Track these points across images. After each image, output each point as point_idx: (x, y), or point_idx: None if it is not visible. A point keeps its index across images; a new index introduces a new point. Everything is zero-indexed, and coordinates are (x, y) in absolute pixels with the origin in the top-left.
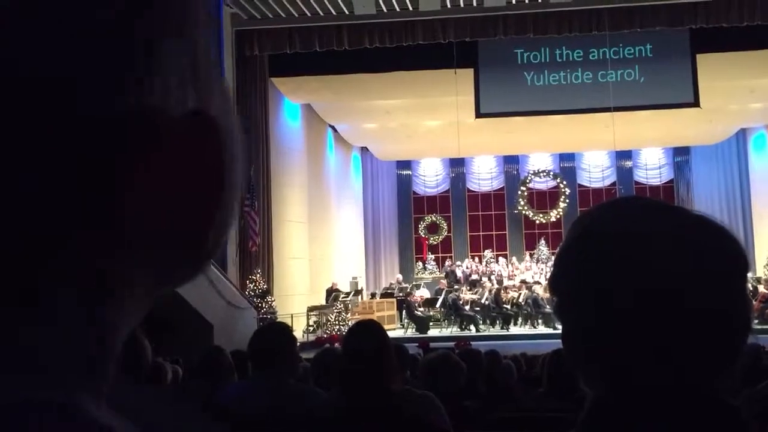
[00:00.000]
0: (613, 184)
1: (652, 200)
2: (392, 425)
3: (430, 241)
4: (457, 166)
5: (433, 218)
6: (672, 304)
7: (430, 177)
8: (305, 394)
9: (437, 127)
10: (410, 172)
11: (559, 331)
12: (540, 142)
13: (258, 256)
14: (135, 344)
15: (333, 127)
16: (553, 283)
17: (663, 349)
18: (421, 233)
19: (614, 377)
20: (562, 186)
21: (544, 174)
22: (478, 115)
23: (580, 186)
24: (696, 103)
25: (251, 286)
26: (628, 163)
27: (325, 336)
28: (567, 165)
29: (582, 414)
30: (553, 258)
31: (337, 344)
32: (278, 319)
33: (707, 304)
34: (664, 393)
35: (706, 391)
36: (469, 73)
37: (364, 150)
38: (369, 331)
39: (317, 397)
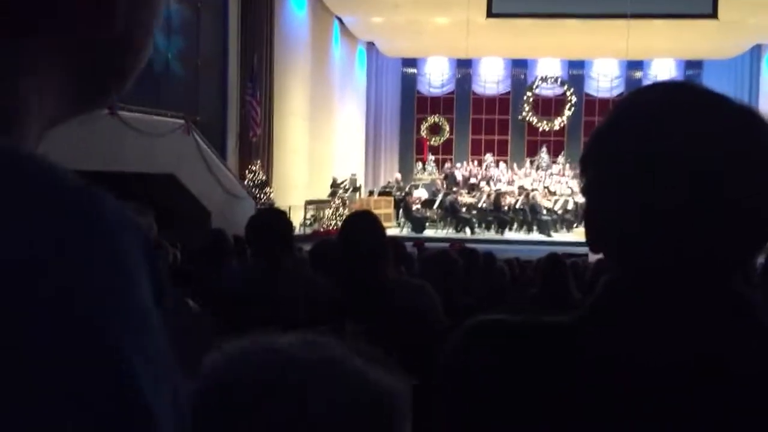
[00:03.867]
0: (621, 94)
1: (697, 86)
2: (385, 312)
3: (431, 142)
4: (464, 67)
5: (436, 119)
6: (703, 190)
7: (436, 77)
8: (302, 278)
9: (446, 24)
10: (415, 71)
11: (553, 239)
12: (550, 47)
13: (258, 146)
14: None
15: (339, 19)
16: (584, 161)
17: (686, 234)
18: (423, 134)
19: (632, 259)
20: (568, 94)
21: (552, 80)
22: (490, 14)
23: (587, 95)
24: (714, 15)
25: (250, 176)
26: (638, 74)
27: (322, 230)
28: (576, 72)
29: (592, 296)
30: (553, 166)
31: (334, 237)
32: None
33: (738, 193)
34: (679, 279)
35: (722, 281)
36: None
37: (369, 45)
38: (365, 221)
39: (314, 282)
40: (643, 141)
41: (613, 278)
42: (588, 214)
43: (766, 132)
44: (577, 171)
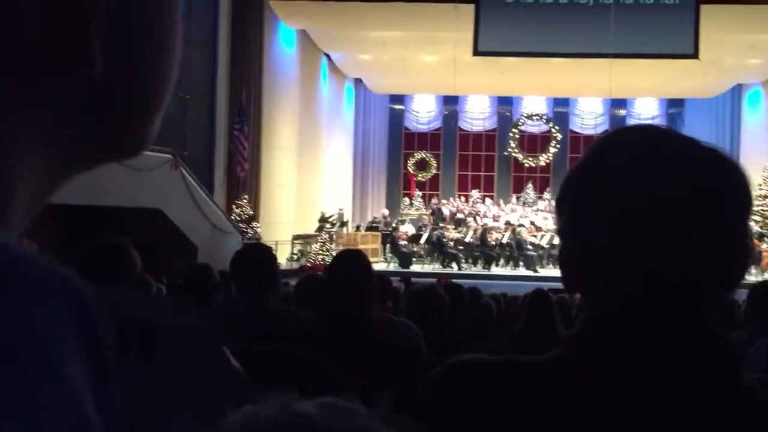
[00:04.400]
0: (605, 131)
1: (664, 128)
2: (367, 350)
3: (419, 178)
4: (451, 104)
5: (423, 155)
6: (675, 227)
7: (423, 113)
8: (286, 314)
9: (433, 62)
10: (403, 107)
11: (539, 274)
12: (536, 85)
13: (246, 181)
14: (123, 255)
15: (328, 56)
16: (560, 202)
17: (661, 270)
18: (410, 169)
19: (607, 297)
20: (554, 131)
21: (537, 117)
22: (476, 52)
23: (572, 132)
24: (695, 55)
25: (237, 211)
26: (622, 112)
27: (308, 264)
28: (560, 110)
29: (572, 332)
30: (539, 202)
31: (320, 273)
32: None
33: (711, 228)
34: (654, 316)
35: (697, 319)
36: (469, 8)
37: (357, 82)
38: (354, 259)
39: (298, 318)
40: (618, 181)
41: (589, 317)
42: (562, 255)
43: (735, 169)
44: None
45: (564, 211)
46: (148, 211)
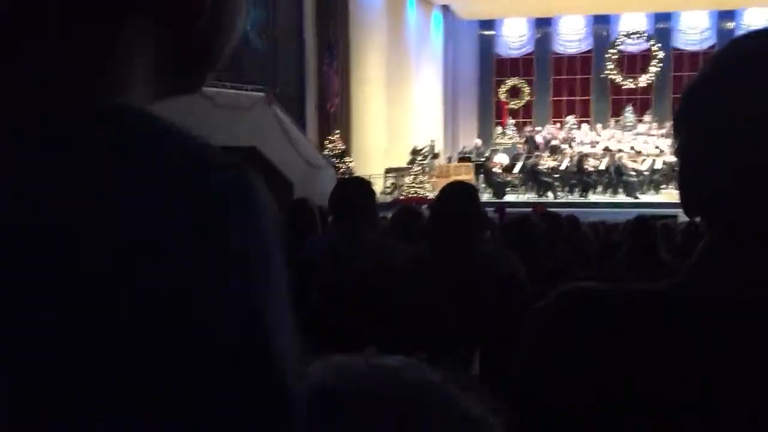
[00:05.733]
0: (712, 47)
1: None
2: (477, 282)
3: (511, 106)
4: (543, 26)
5: (515, 82)
6: None
7: (514, 38)
8: (386, 247)
9: None
10: (493, 33)
11: (640, 201)
12: (634, 1)
13: (336, 116)
14: None
15: None
16: (678, 121)
17: None
18: (502, 97)
19: (731, 223)
20: (655, 49)
21: (637, 35)
22: None
23: (675, 49)
24: None
25: (330, 146)
26: (730, 25)
27: (402, 197)
28: (662, 26)
29: (691, 259)
30: (639, 125)
31: (415, 205)
32: None
33: None
34: None
35: None
36: None
37: (445, 9)
38: (463, 190)
39: (399, 251)
40: (742, 96)
41: (711, 242)
42: (683, 177)
43: None
44: (665, 129)
45: (683, 131)
46: (243, 149)
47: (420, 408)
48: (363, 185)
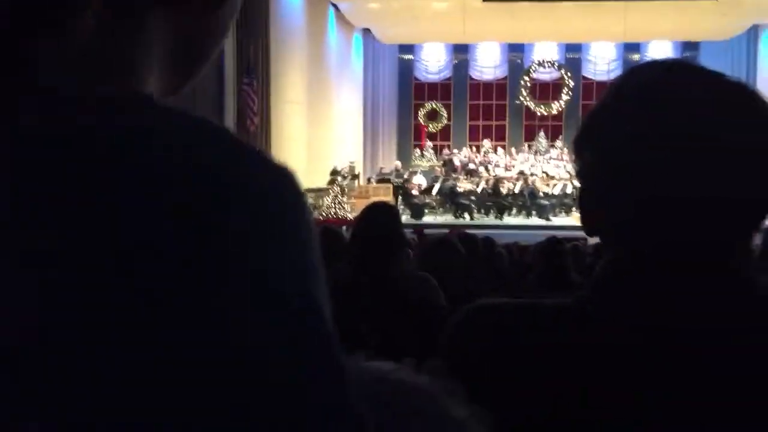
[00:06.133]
0: None
1: (691, 63)
2: (398, 307)
3: (430, 129)
4: (461, 52)
5: (434, 105)
6: (702, 164)
7: (433, 63)
8: None
9: (443, 9)
10: (412, 57)
11: (552, 223)
12: (547, 31)
13: (255, 135)
14: None
15: (335, 6)
16: (578, 143)
17: (687, 212)
18: (421, 120)
19: (629, 242)
20: (566, 77)
21: (549, 64)
22: None
23: (585, 78)
24: None
25: None
26: (636, 56)
27: (321, 218)
28: (573, 56)
29: (594, 276)
30: (551, 150)
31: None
32: None
33: (739, 170)
34: (679, 259)
35: (724, 263)
36: None
37: (366, 32)
38: (385, 212)
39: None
40: (644, 126)
41: (612, 259)
42: (583, 198)
43: (763, 104)
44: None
45: (583, 154)
46: None
47: (410, 409)
48: None
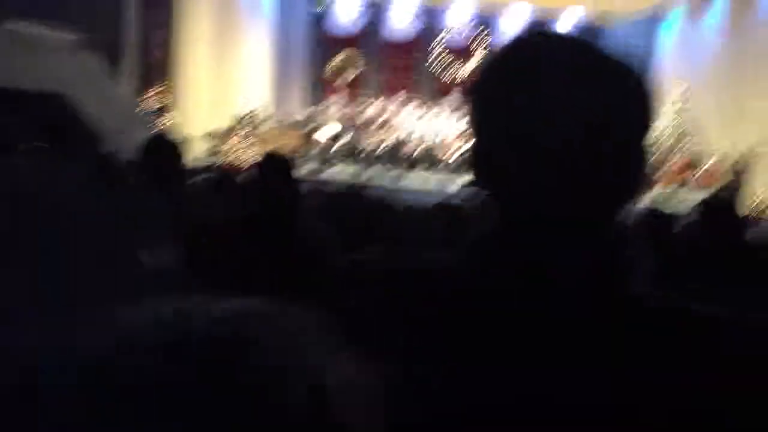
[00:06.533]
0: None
1: (582, 38)
2: (288, 257)
3: (341, 79)
4: (376, 5)
5: (348, 53)
6: (581, 130)
7: (347, 14)
8: (189, 207)
9: None
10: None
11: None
12: None
13: (159, 70)
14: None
15: None
16: (472, 91)
17: (564, 175)
18: (332, 69)
19: (511, 200)
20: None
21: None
22: None
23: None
24: None
25: (150, 101)
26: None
27: (223, 164)
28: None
29: (471, 235)
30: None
31: (231, 172)
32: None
33: (615, 136)
34: (556, 222)
35: (596, 228)
36: None
37: None
38: (281, 164)
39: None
40: (533, 81)
41: (490, 219)
42: (475, 151)
43: (639, 79)
44: None
45: (475, 105)
46: (46, 95)
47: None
48: (173, 143)
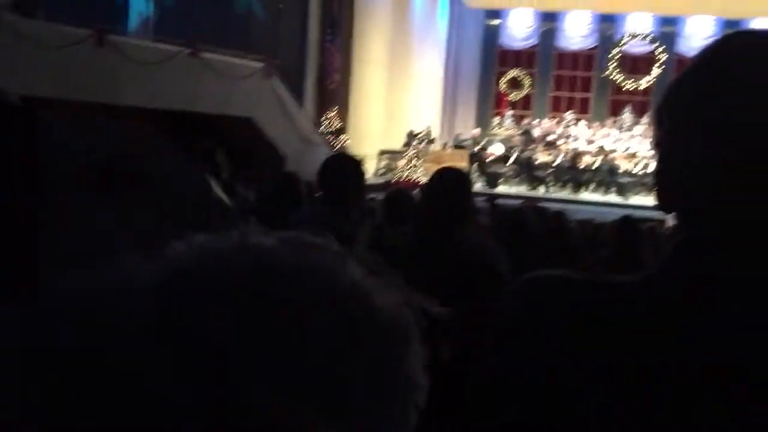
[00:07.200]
0: None
1: None
2: (455, 268)
3: (510, 97)
4: (549, 20)
5: (516, 73)
6: None
7: (519, 30)
8: (369, 225)
9: None
10: (499, 22)
11: (630, 203)
12: (641, 1)
13: (335, 93)
14: (214, 158)
15: None
16: (660, 112)
17: (761, 192)
18: (502, 88)
19: (705, 218)
20: (658, 51)
21: (642, 37)
22: None
23: (678, 54)
24: None
25: (326, 123)
26: None
27: (394, 180)
28: (667, 30)
29: (663, 255)
30: (636, 127)
31: (406, 188)
32: None
33: None
34: (757, 239)
35: None
36: None
37: None
38: (455, 178)
39: (380, 229)
40: (721, 92)
41: (685, 237)
42: (660, 170)
43: None
44: None
45: (663, 123)
46: (239, 119)
47: (291, 291)
48: (352, 163)
